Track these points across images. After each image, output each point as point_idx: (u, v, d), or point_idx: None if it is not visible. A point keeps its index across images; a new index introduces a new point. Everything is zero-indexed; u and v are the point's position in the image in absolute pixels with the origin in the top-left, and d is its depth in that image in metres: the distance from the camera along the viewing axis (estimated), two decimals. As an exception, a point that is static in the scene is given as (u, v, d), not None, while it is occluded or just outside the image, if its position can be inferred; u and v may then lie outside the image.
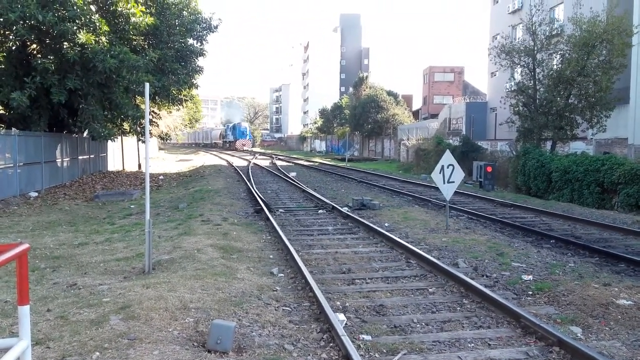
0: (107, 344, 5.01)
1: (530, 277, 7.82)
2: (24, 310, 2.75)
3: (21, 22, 17.12)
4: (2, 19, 17.69)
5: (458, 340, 5.55)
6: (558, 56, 25.90)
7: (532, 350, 5.25)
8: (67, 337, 5.23)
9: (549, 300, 6.88)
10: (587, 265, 8.66)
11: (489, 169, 23.53)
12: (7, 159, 17.81)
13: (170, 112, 39.86)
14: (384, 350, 5.29)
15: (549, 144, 26.89)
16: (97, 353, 4.83)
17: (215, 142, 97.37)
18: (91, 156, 28.30)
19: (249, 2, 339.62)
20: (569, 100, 25.12)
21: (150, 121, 10.83)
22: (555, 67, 25.80)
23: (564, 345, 5.17)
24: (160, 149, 62.30)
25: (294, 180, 24.08)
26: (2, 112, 21.30)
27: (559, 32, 27.83)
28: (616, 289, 6.96)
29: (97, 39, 18.15)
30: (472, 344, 5.46)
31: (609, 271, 8.41)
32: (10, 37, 19.32)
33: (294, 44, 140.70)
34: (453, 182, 11.96)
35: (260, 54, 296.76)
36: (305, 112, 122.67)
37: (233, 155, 56.71)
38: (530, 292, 7.21)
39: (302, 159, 48.54)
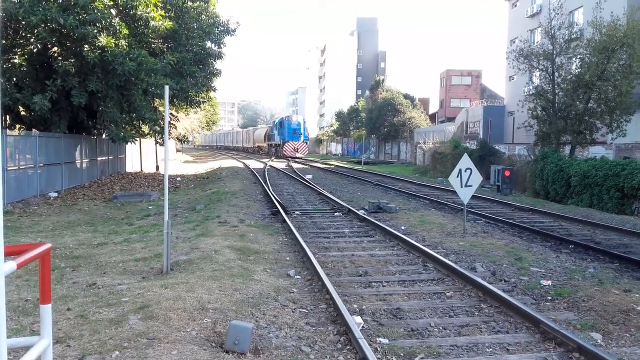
0: (127, 343, 5.06)
1: (549, 282, 7.74)
2: (46, 309, 2.77)
3: (42, 25, 17.37)
4: (24, 22, 17.98)
5: (476, 345, 5.51)
6: (577, 60, 25.67)
7: (552, 356, 5.19)
8: (87, 336, 5.28)
9: (569, 305, 6.80)
10: (607, 270, 8.54)
11: (507, 173, 23.34)
12: (27, 159, 18.07)
13: (188, 114, 40.14)
14: (401, 354, 5.26)
15: (567, 148, 26.62)
16: (117, 352, 4.87)
17: (259, 146, 70.52)
18: (110, 157, 28.61)
19: (266, 6, 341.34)
20: (588, 105, 24.86)
21: (169, 123, 10.88)
22: (574, 71, 25.57)
23: (583, 351, 5.10)
24: (177, 151, 62.73)
25: (310, 183, 24.09)
26: (23, 113, 21.62)
27: (579, 36, 27.56)
28: (637, 295, 6.86)
29: (117, 42, 18.35)
30: (490, 349, 5.42)
31: (629, 277, 8.30)
32: (32, 40, 19.63)
33: (311, 47, 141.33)
34: (471, 185, 11.89)
35: (277, 57, 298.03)
36: (321, 115, 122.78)
37: (250, 158, 56.71)
38: (550, 298, 7.13)
39: (318, 162, 48.50)
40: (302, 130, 56.20)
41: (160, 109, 24.69)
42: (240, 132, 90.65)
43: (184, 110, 31.83)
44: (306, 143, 57.61)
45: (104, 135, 26.39)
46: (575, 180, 21.61)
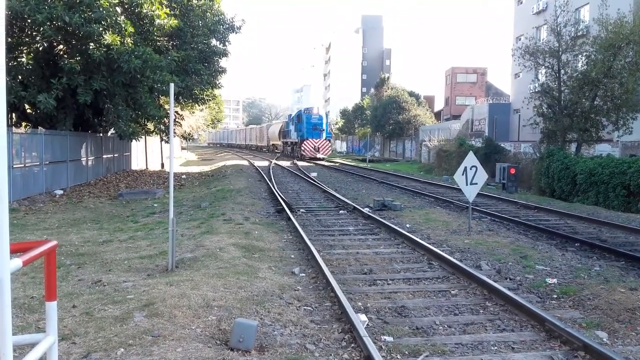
0: (132, 341, 5.07)
1: (555, 280, 7.71)
2: (51, 306, 2.78)
3: (48, 23, 17.41)
4: (29, 20, 18.02)
5: (481, 343, 5.49)
6: (583, 57, 25.55)
7: (557, 354, 5.17)
8: (92, 333, 5.30)
9: (574, 304, 6.78)
10: (613, 269, 8.51)
11: (512, 171, 23.30)
12: (33, 157, 18.14)
13: (193, 112, 40.18)
14: (406, 352, 5.26)
15: (573, 146, 26.53)
16: (122, 349, 4.89)
17: (274, 144, 61.59)
18: (115, 155, 28.67)
19: (270, 3, 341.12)
20: (595, 102, 24.76)
21: (174, 121, 11.00)
22: (580, 68, 25.46)
23: (589, 350, 5.09)
24: (183, 148, 62.70)
25: (315, 181, 24.08)
26: (29, 111, 21.69)
27: (585, 33, 27.47)
28: (643, 293, 6.83)
29: (122, 40, 18.38)
30: (496, 347, 5.40)
31: (635, 275, 8.26)
32: (38, 38, 19.67)
33: (316, 45, 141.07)
34: (476, 183, 11.85)
35: (281, 55, 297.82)
36: (326, 113, 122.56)
37: (256, 156, 56.54)
38: (555, 296, 7.11)
39: (322, 160, 48.44)
40: (324, 126, 47.08)
41: (166, 106, 24.72)
42: (253, 128, 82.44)
43: (189, 108, 31.86)
44: (329, 141, 48.29)
45: (109, 133, 26.47)
46: (581, 178, 21.54)
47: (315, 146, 45.49)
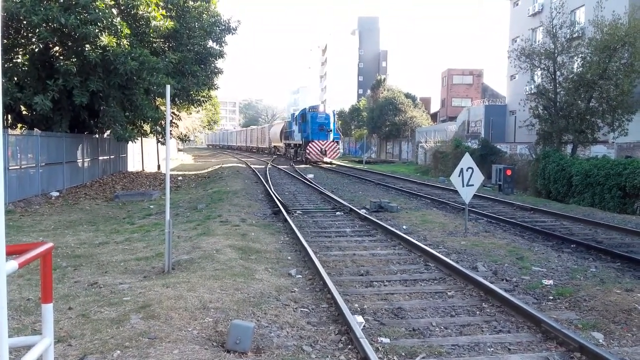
0: (128, 343, 5.06)
1: (551, 281, 7.73)
2: (48, 308, 2.77)
3: (44, 24, 17.37)
4: (25, 22, 17.99)
5: (477, 345, 5.50)
6: (579, 59, 25.68)
7: (553, 355, 5.18)
8: (89, 335, 5.28)
9: (570, 305, 6.79)
10: (609, 270, 8.53)
11: (509, 172, 23.33)
12: (29, 159, 18.09)
13: (190, 113, 40.11)
14: (403, 354, 5.26)
15: (569, 148, 26.62)
16: (118, 351, 4.87)
17: (275, 146, 57.45)
18: (111, 157, 28.61)
19: (266, 5, 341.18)
20: (590, 104, 24.86)
21: (170, 122, 11.02)
22: (576, 70, 25.57)
23: (585, 351, 5.09)
24: (179, 150, 62.57)
25: (311, 182, 24.08)
26: (24, 113, 21.64)
27: (580, 34, 27.58)
28: (639, 294, 6.85)
29: (118, 41, 18.36)
30: (492, 349, 5.41)
31: (631, 277, 8.28)
32: (34, 39, 19.63)
33: (312, 46, 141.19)
34: (472, 185, 11.87)
35: (278, 56, 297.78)
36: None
37: (253, 158, 56.42)
38: (551, 297, 7.12)
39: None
40: (331, 125, 41.70)
41: (162, 108, 24.69)
42: (254, 129, 77.75)
43: (185, 109, 31.84)
44: (337, 143, 42.56)
45: (105, 134, 26.42)
46: (577, 180, 21.60)
47: (321, 148, 40.52)
